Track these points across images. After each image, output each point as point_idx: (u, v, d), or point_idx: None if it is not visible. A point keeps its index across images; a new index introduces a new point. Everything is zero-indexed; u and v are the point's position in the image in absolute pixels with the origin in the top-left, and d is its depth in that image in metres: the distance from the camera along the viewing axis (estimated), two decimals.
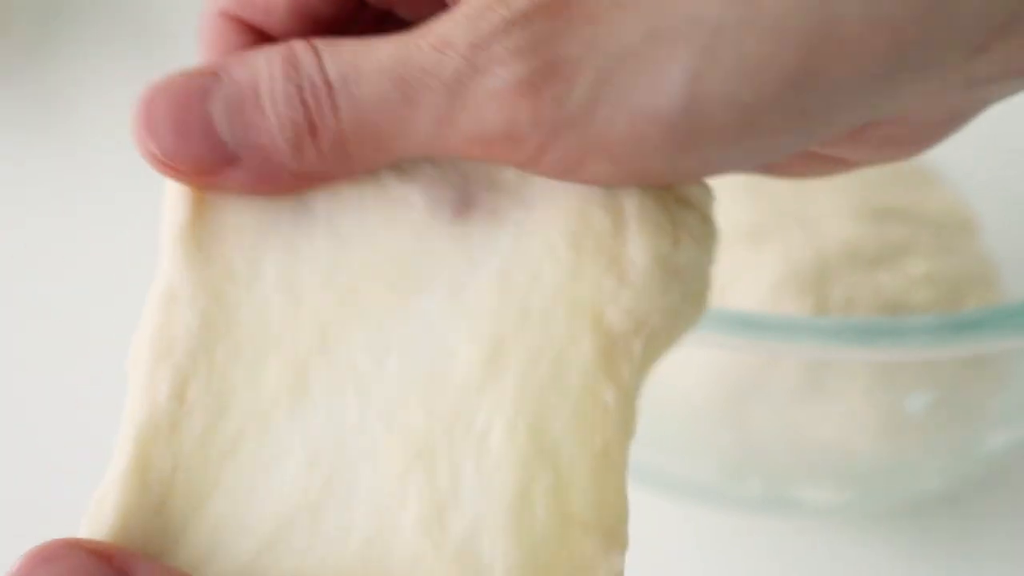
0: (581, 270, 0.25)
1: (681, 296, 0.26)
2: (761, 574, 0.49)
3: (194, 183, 0.25)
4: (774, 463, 0.47)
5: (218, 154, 0.24)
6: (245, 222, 0.25)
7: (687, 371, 0.47)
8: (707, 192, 0.26)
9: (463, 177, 0.25)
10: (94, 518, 0.24)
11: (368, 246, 0.25)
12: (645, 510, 0.50)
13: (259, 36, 0.26)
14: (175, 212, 0.25)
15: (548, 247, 0.25)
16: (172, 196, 0.25)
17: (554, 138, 0.23)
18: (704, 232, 0.26)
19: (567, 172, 0.24)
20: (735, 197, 0.49)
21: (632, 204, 0.25)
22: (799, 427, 0.46)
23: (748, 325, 0.39)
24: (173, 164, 0.25)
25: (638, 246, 0.25)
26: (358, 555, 0.24)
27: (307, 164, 0.25)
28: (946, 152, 0.55)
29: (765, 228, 0.48)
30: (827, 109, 0.24)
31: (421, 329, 0.25)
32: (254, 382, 0.24)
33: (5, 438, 0.52)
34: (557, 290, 0.25)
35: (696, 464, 0.48)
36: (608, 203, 0.25)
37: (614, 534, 0.25)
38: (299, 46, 0.24)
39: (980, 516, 0.50)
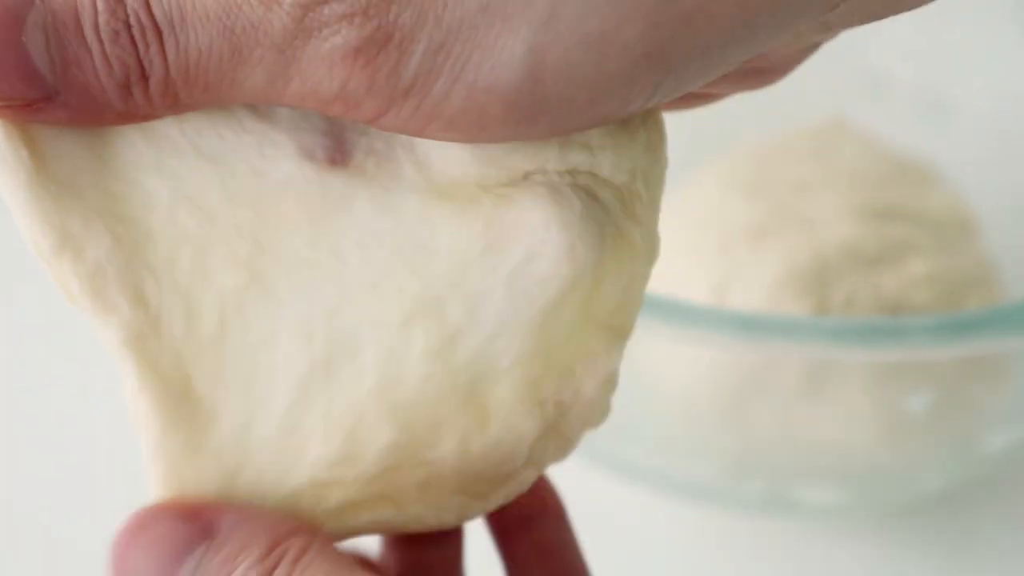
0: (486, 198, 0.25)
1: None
2: (761, 574, 0.49)
3: (7, 118, 0.23)
4: (774, 463, 0.47)
5: (36, 89, 0.23)
6: (100, 155, 0.24)
7: (687, 371, 0.47)
8: None
9: (327, 121, 0.24)
10: (142, 423, 0.24)
11: (252, 173, 0.24)
12: (645, 510, 0.50)
13: None
14: (14, 162, 0.23)
15: (458, 163, 0.24)
16: (3, 150, 0.23)
17: (391, 105, 0.23)
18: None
19: (411, 133, 0.23)
20: (735, 197, 0.49)
21: None
22: (799, 427, 0.46)
23: (748, 325, 0.39)
24: None
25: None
26: (375, 389, 0.24)
27: (134, 106, 0.23)
28: (946, 152, 0.55)
29: (765, 228, 0.48)
30: (676, 79, 0.23)
31: (368, 234, 0.24)
32: (207, 281, 0.24)
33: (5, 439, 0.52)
34: (486, 190, 0.24)
35: (696, 464, 0.48)
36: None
37: (623, 330, 0.25)
38: None
39: (980, 516, 0.50)
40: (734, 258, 0.47)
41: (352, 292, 0.24)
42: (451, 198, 0.24)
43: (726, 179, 0.51)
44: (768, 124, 0.55)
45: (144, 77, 0.23)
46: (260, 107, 0.24)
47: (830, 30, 0.25)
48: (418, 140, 0.24)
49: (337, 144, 0.24)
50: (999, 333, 0.39)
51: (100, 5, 0.23)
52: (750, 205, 0.49)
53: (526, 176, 0.25)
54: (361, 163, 0.24)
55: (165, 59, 0.23)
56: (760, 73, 0.27)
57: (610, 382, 0.25)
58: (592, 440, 0.29)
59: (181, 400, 0.24)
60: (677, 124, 0.52)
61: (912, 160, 0.52)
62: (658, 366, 0.47)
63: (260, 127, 0.24)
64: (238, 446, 0.24)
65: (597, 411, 0.25)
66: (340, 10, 0.22)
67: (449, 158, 0.24)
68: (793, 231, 0.48)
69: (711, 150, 0.54)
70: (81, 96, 0.23)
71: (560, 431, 0.25)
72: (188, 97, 0.23)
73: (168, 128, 0.24)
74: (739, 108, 0.58)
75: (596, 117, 0.24)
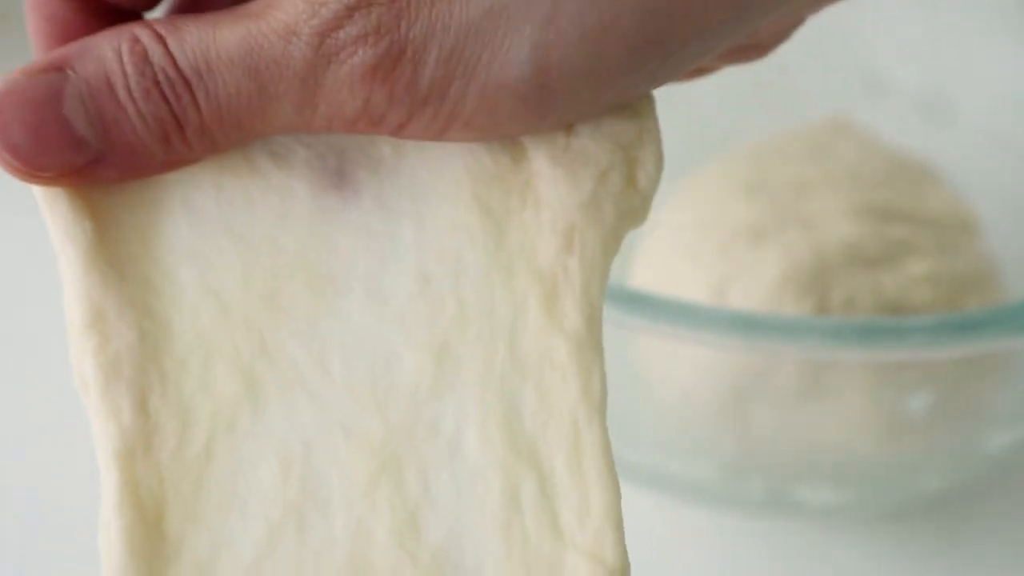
0: (500, 229, 0.25)
1: (598, 180, 0.25)
2: (761, 574, 0.49)
3: (62, 185, 0.24)
4: (774, 463, 0.47)
5: (83, 155, 0.24)
6: (146, 236, 0.25)
7: (687, 371, 0.47)
8: None
9: (338, 155, 0.25)
10: (105, 549, 0.24)
11: (271, 245, 0.25)
12: (645, 510, 0.50)
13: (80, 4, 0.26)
14: (76, 231, 0.24)
15: (456, 226, 0.25)
16: (67, 220, 0.24)
17: (412, 114, 0.24)
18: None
19: (433, 138, 0.25)
20: (735, 197, 0.49)
21: None
22: (799, 427, 0.46)
23: (748, 325, 0.39)
24: (38, 173, 0.24)
25: (538, 155, 0.25)
26: (344, 566, 0.24)
27: (175, 154, 0.24)
28: (946, 152, 0.55)
29: (765, 228, 0.48)
30: (674, 65, 0.24)
31: (352, 333, 0.24)
32: (207, 390, 0.24)
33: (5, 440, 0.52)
34: (486, 266, 0.25)
35: (696, 464, 0.48)
36: (501, 145, 0.25)
37: (604, 560, 0.24)
38: (142, 34, 0.24)
39: (980, 516, 0.50)
40: (734, 258, 0.47)
41: (328, 425, 0.24)
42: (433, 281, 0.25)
43: (726, 179, 0.51)
44: (768, 124, 0.55)
45: (180, 127, 0.24)
46: (280, 152, 0.25)
47: (819, 3, 0.26)
48: (419, 191, 0.25)
49: (341, 175, 0.25)
50: (999, 333, 0.39)
51: (129, 69, 0.24)
52: (750, 205, 0.49)
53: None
54: (368, 209, 0.25)
55: (198, 107, 0.24)
56: (750, 49, 0.28)
57: None
58: None
59: (150, 532, 0.24)
60: (678, 124, 0.52)
61: (912, 160, 0.52)
62: (658, 366, 0.47)
63: (281, 178, 0.25)
64: None
65: None
66: (354, 32, 0.23)
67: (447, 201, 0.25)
68: (793, 231, 0.48)
69: (711, 150, 0.54)
70: (125, 154, 0.24)
71: None
72: (224, 138, 0.24)
73: (207, 202, 0.25)
74: (739, 108, 0.58)
75: (602, 104, 0.25)
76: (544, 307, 0.25)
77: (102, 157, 0.24)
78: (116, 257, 0.24)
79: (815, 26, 0.59)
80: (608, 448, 0.24)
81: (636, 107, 0.26)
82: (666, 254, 0.50)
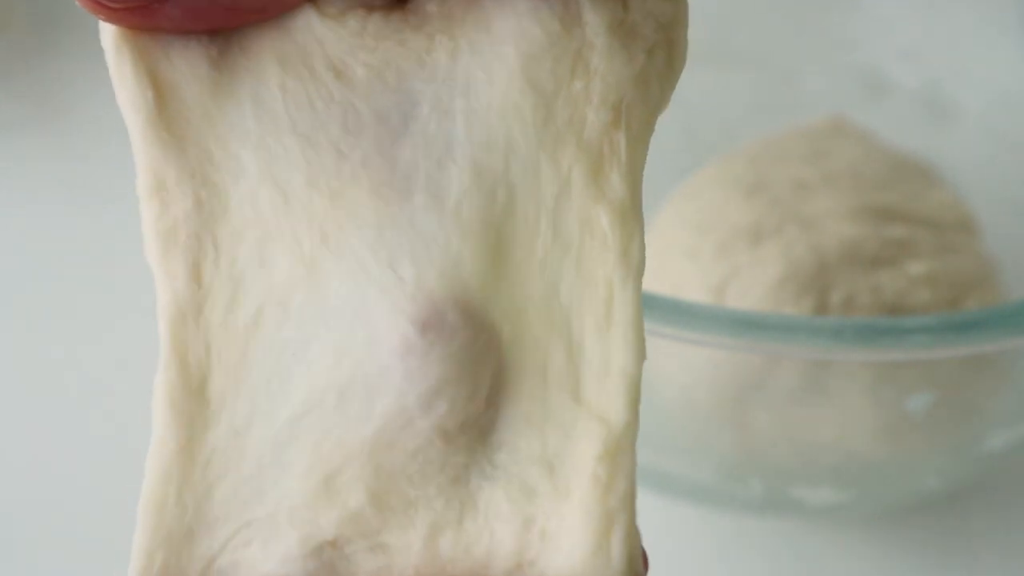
0: (548, 103, 0.25)
1: (646, 56, 0.25)
2: (761, 574, 0.49)
3: (127, 22, 0.25)
4: (774, 463, 0.47)
5: None
6: (210, 114, 0.25)
7: (687, 371, 0.47)
8: None
9: (396, 71, 0.25)
10: (154, 412, 0.25)
11: (335, 151, 0.25)
12: (645, 510, 0.50)
13: None
14: (138, 100, 0.25)
15: (506, 109, 0.25)
16: (130, 86, 0.25)
17: None
18: None
19: None
20: (734, 197, 0.49)
21: None
22: (799, 427, 0.46)
23: (748, 325, 0.39)
24: (108, 3, 0.25)
25: (596, 21, 0.25)
26: (369, 442, 0.24)
27: None
28: (946, 152, 0.55)
29: (765, 228, 0.48)
30: None
31: (420, 239, 0.25)
32: (263, 268, 0.25)
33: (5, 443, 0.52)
34: (535, 145, 0.25)
35: (696, 464, 0.48)
36: (550, 11, 0.25)
37: (608, 420, 0.24)
38: None
39: (980, 516, 0.50)
40: (733, 258, 0.47)
41: (397, 320, 0.24)
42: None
43: (726, 179, 0.51)
44: (768, 124, 0.55)
45: None
46: (340, 68, 0.25)
47: None
48: (472, 87, 0.25)
49: (406, 99, 0.25)
50: (999, 333, 0.39)
51: None
52: (749, 205, 0.49)
53: None
54: (424, 114, 0.25)
55: None
56: None
57: None
58: None
59: (193, 395, 0.25)
60: (678, 124, 0.53)
61: (912, 160, 0.52)
62: (658, 366, 0.47)
63: (343, 93, 0.25)
64: (226, 455, 0.24)
65: None
66: None
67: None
68: (793, 231, 0.48)
69: (711, 150, 0.54)
70: None
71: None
72: None
73: (274, 102, 0.25)
74: (739, 108, 0.58)
75: None
76: (589, 178, 0.25)
77: None
78: (178, 128, 0.25)
79: (815, 26, 0.59)
80: (639, 311, 0.24)
81: None
82: (665, 254, 0.50)
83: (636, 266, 0.25)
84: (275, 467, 0.24)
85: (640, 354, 0.24)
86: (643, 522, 0.52)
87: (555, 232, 0.25)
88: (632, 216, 0.25)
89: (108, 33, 0.25)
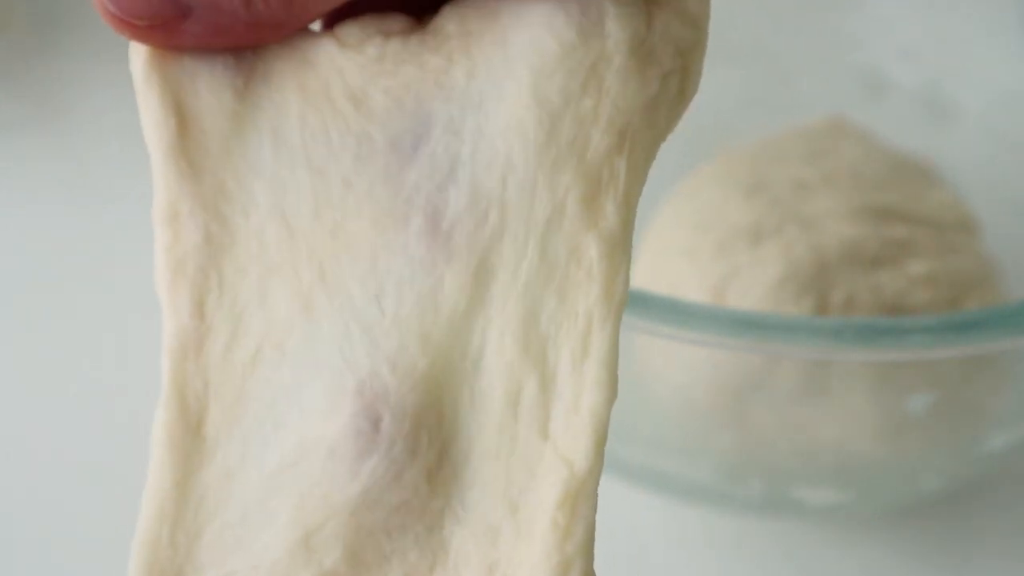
0: (554, 121, 0.25)
1: (660, 82, 0.25)
2: (760, 574, 0.49)
3: (151, 40, 0.25)
4: (774, 463, 0.47)
5: (171, 5, 0.25)
6: (228, 147, 0.25)
7: (687, 370, 0.47)
8: None
9: (415, 96, 0.25)
10: (153, 445, 0.25)
11: (343, 183, 0.25)
12: (645, 510, 0.50)
13: None
14: (161, 128, 0.25)
15: (510, 127, 0.25)
16: (155, 113, 0.25)
17: None
18: (680, 5, 0.25)
19: None
20: (734, 197, 0.49)
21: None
22: (799, 427, 0.46)
23: (748, 325, 0.39)
24: (130, 19, 0.25)
25: (619, 36, 0.25)
26: (354, 500, 0.24)
27: (256, 13, 0.25)
28: (946, 152, 0.55)
29: (765, 228, 0.48)
30: None
31: (408, 265, 0.25)
32: (262, 305, 0.25)
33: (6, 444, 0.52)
34: (534, 164, 0.25)
35: (695, 464, 0.48)
36: (567, 19, 0.25)
37: (572, 464, 0.24)
38: None
39: (980, 516, 0.50)
40: (733, 258, 0.47)
41: (378, 361, 0.24)
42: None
43: (726, 179, 0.51)
44: (768, 124, 0.55)
45: None
46: (361, 99, 0.25)
47: None
48: (484, 105, 0.25)
49: (421, 123, 0.25)
50: (999, 333, 0.39)
51: None
52: (749, 205, 0.49)
53: None
54: (437, 136, 0.25)
55: None
56: None
57: None
58: None
59: (190, 432, 0.25)
60: (678, 125, 0.52)
61: (912, 160, 0.52)
62: (658, 366, 0.47)
63: (360, 123, 0.25)
64: (217, 496, 0.24)
65: None
66: None
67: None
68: (793, 231, 0.48)
69: (711, 150, 0.54)
70: (209, 8, 0.25)
71: None
72: (302, 5, 0.25)
73: (292, 134, 0.25)
74: (739, 108, 0.58)
75: None
76: (584, 205, 0.25)
77: (188, 10, 0.25)
78: (197, 158, 0.25)
79: (815, 26, 0.59)
80: (615, 352, 0.24)
81: (695, 15, 0.26)
82: (665, 254, 0.50)
83: (618, 303, 0.24)
84: (260, 515, 0.24)
85: (611, 395, 0.24)
86: (642, 522, 0.52)
87: (541, 256, 0.24)
88: (621, 250, 0.25)
89: (139, 58, 0.26)
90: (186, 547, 0.24)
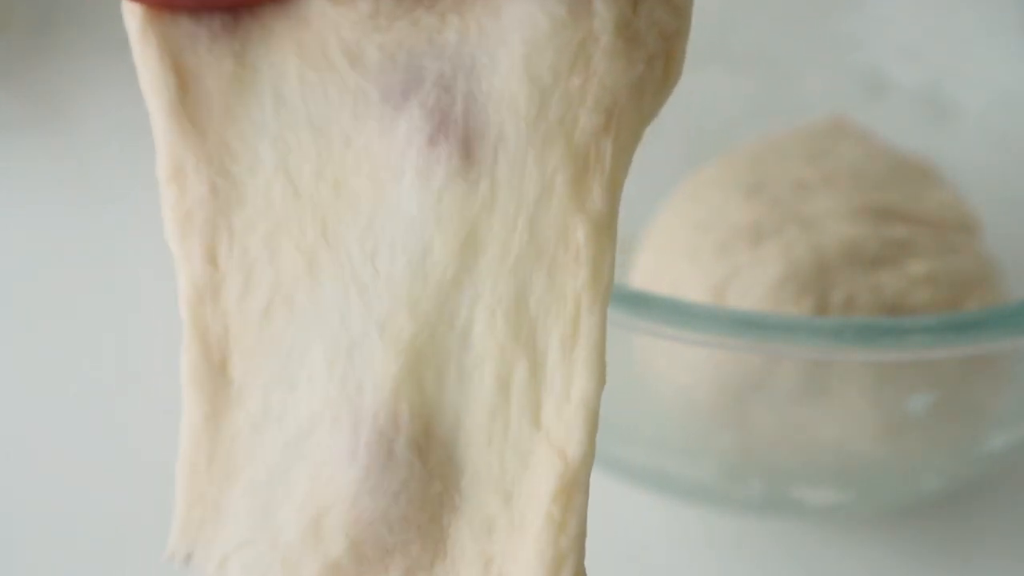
0: (544, 97, 0.25)
1: (646, 64, 0.25)
2: (761, 574, 0.49)
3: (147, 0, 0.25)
4: (774, 463, 0.47)
5: None
6: (230, 109, 0.25)
7: (687, 370, 0.47)
8: None
9: (408, 51, 0.25)
10: (183, 388, 0.25)
11: (343, 140, 0.25)
12: (644, 510, 0.50)
13: None
14: (161, 85, 0.25)
15: (503, 98, 0.25)
16: (154, 71, 0.25)
17: None
18: None
19: None
20: (734, 197, 0.49)
21: None
22: (799, 427, 0.46)
23: (748, 325, 0.39)
24: None
25: (607, 15, 0.25)
26: (355, 483, 0.24)
27: None
28: (946, 152, 0.55)
29: (765, 228, 0.48)
30: None
31: (402, 225, 0.25)
32: (271, 259, 0.25)
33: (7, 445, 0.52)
34: (525, 139, 0.25)
35: (696, 464, 0.48)
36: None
37: (565, 454, 0.24)
38: None
39: (980, 516, 0.50)
40: (733, 258, 0.47)
41: (369, 324, 0.24)
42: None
43: (726, 179, 0.51)
44: (768, 124, 0.55)
45: None
46: (357, 53, 0.25)
47: None
48: (475, 70, 0.25)
49: (413, 77, 0.25)
50: (999, 333, 0.39)
51: None
52: (749, 205, 0.49)
53: None
54: (428, 89, 0.25)
55: None
56: None
57: None
58: None
59: (215, 372, 0.25)
60: (678, 124, 0.52)
61: (912, 160, 0.52)
62: (657, 366, 0.47)
63: (356, 80, 0.25)
64: (247, 445, 0.24)
65: None
66: None
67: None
68: (793, 231, 0.48)
69: (711, 150, 0.54)
70: None
71: None
72: None
73: (293, 95, 0.25)
74: (739, 108, 0.58)
75: None
76: (571, 186, 0.24)
77: None
78: (199, 118, 0.25)
79: (815, 26, 0.59)
80: (603, 338, 0.24)
81: (678, 2, 0.26)
82: (665, 254, 0.50)
83: (605, 288, 0.24)
84: (283, 484, 0.24)
85: (600, 382, 0.24)
86: (643, 522, 0.52)
87: (531, 234, 0.24)
88: (607, 233, 0.24)
89: (134, 16, 0.26)
90: (220, 483, 0.24)
